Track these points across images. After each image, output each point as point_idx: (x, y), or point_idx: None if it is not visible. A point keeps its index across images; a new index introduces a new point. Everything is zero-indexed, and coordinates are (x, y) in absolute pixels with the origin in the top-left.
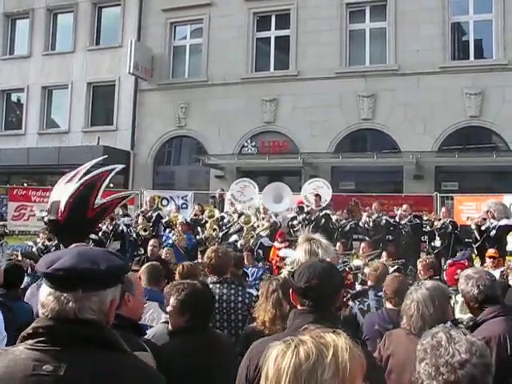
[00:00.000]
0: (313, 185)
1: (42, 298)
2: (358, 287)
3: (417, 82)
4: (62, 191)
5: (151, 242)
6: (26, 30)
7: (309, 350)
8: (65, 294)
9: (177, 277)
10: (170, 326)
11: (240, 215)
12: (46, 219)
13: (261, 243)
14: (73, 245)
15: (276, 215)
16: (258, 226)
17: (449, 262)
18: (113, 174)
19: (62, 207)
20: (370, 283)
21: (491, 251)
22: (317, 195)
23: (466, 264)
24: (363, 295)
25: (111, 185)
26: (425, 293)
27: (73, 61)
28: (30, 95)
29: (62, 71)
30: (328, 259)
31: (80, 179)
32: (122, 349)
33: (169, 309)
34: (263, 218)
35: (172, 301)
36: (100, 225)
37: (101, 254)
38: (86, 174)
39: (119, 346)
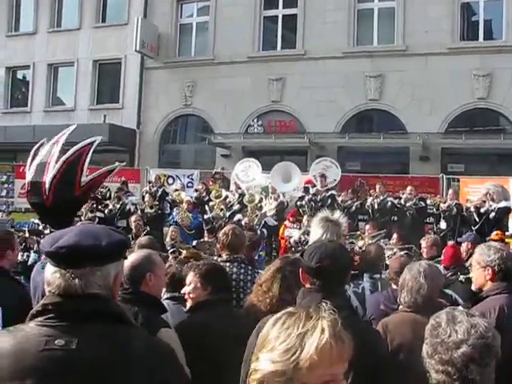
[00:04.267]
0: (321, 164)
1: (48, 275)
2: None
3: (425, 63)
4: (39, 170)
5: (133, 217)
6: (32, 7)
7: (288, 322)
8: (70, 271)
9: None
10: (188, 305)
11: (240, 195)
12: (30, 200)
13: (265, 222)
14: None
15: (284, 195)
16: (265, 205)
17: (450, 243)
18: (94, 147)
19: (45, 189)
20: (363, 265)
21: (495, 234)
22: (322, 175)
23: (469, 247)
24: (357, 278)
25: (116, 163)
26: (420, 269)
27: (79, 38)
28: (35, 72)
29: (67, 48)
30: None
31: (58, 157)
32: (129, 321)
33: (187, 289)
34: (271, 198)
35: (191, 278)
36: (107, 202)
37: (102, 231)
38: (64, 150)
39: (125, 319)
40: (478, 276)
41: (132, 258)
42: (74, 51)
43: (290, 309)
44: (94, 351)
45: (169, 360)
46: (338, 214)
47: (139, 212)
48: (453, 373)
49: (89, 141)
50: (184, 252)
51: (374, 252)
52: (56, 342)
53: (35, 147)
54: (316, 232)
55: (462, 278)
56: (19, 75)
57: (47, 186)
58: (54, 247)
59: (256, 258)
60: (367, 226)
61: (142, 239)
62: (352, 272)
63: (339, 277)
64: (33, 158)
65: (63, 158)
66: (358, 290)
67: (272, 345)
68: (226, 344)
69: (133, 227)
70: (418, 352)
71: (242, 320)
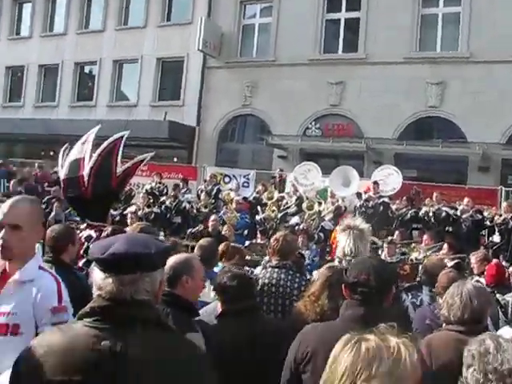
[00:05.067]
0: (384, 172)
1: (98, 280)
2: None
3: (488, 71)
4: (74, 166)
5: (212, 217)
6: (101, 5)
7: (369, 347)
8: (121, 277)
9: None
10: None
11: (298, 198)
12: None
13: (322, 226)
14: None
15: (343, 199)
16: (324, 210)
17: (494, 260)
18: (124, 140)
19: (84, 182)
20: (423, 278)
21: None
22: (375, 182)
23: None
24: (417, 289)
25: (175, 159)
26: (470, 288)
27: (144, 36)
28: (101, 68)
29: (133, 46)
30: (365, 245)
31: (91, 152)
32: (171, 328)
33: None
34: (329, 202)
35: (216, 286)
36: (164, 199)
37: (149, 239)
38: (97, 145)
39: (168, 326)
40: None
41: (171, 260)
42: (138, 49)
43: (358, 335)
44: (137, 355)
45: (209, 370)
46: (359, 221)
47: (195, 211)
48: None
49: (119, 135)
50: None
51: (435, 265)
52: (102, 343)
53: (63, 149)
54: (341, 240)
55: (498, 296)
56: (86, 70)
57: (86, 178)
58: (106, 254)
59: (310, 262)
60: (425, 237)
61: (203, 241)
62: (411, 283)
63: (378, 292)
64: (64, 159)
65: (97, 151)
66: (417, 302)
67: (368, 372)
68: (245, 353)
69: (210, 226)
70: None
71: (263, 331)
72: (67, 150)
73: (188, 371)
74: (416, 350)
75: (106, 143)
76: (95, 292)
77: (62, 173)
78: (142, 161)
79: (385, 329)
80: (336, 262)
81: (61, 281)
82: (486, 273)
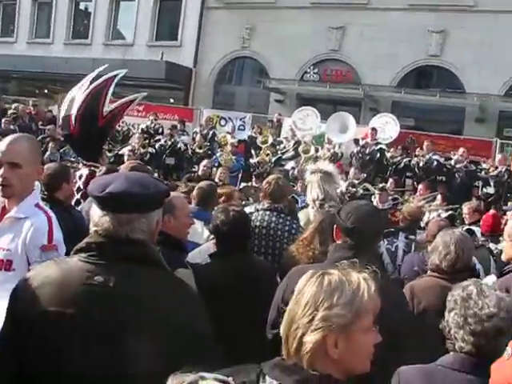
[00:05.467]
0: (382, 119)
1: (96, 218)
2: None
3: (493, 21)
4: (69, 105)
5: (204, 162)
6: None
7: (332, 279)
8: (118, 216)
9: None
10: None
11: (296, 143)
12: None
13: None
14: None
15: (340, 146)
16: (319, 157)
17: (491, 211)
18: (117, 79)
19: (72, 121)
20: (401, 225)
21: None
22: (373, 129)
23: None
24: (394, 235)
25: (171, 100)
26: (457, 236)
27: None
28: (97, 5)
29: None
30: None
31: (85, 90)
32: (165, 267)
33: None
34: (325, 148)
35: (211, 226)
36: (160, 137)
37: (148, 180)
38: (91, 82)
39: (162, 265)
40: (508, 249)
41: None
42: None
43: (323, 270)
44: (128, 290)
45: (200, 312)
46: (325, 164)
47: (190, 152)
48: (483, 344)
49: (113, 73)
50: (219, 189)
51: (413, 213)
52: (95, 278)
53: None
54: (310, 184)
55: (491, 246)
56: (82, 7)
57: (73, 117)
58: (104, 192)
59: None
60: (420, 186)
61: (203, 183)
62: (388, 229)
63: (370, 239)
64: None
65: (87, 90)
66: (392, 248)
67: (329, 302)
68: (235, 292)
69: (200, 170)
70: (443, 317)
71: (253, 271)
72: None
73: (179, 308)
74: (374, 285)
75: (97, 81)
76: (92, 228)
77: (62, 111)
78: (132, 101)
79: (347, 265)
80: (310, 208)
81: (54, 219)
82: (482, 222)
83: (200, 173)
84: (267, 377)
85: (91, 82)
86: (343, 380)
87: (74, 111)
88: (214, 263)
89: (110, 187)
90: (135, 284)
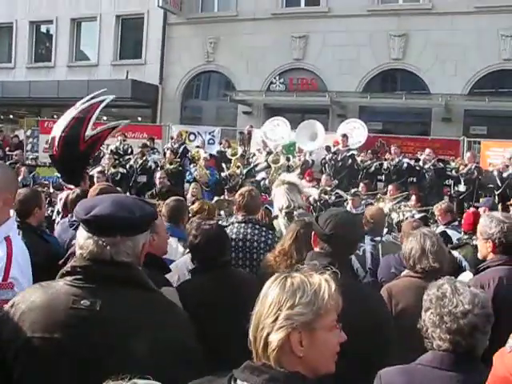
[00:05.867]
0: (350, 125)
1: (81, 240)
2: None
3: (450, 22)
4: (58, 127)
5: (157, 174)
6: None
7: (294, 281)
8: (103, 239)
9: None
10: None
11: (268, 154)
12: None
13: None
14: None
15: (310, 154)
16: (291, 166)
17: (471, 209)
18: (103, 105)
19: (55, 143)
20: (365, 228)
21: None
22: (344, 135)
23: (486, 212)
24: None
25: (139, 118)
26: (430, 236)
27: None
28: (59, 27)
29: (90, 3)
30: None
31: (71, 114)
32: (151, 288)
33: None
34: (296, 157)
35: (188, 242)
36: (130, 157)
37: (134, 202)
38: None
39: (149, 286)
40: (481, 247)
41: None
42: (96, 6)
43: (286, 272)
44: (114, 313)
45: (186, 328)
46: (289, 175)
47: (159, 169)
48: (459, 341)
49: (100, 99)
50: (194, 205)
51: (376, 215)
52: (82, 302)
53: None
54: (276, 195)
55: (475, 242)
56: (43, 29)
57: (57, 140)
58: (89, 215)
59: None
60: (390, 187)
61: (170, 201)
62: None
63: (348, 246)
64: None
65: (72, 114)
66: (359, 252)
67: (291, 302)
68: (217, 306)
69: (157, 183)
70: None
71: (235, 284)
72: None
73: (167, 325)
74: (335, 285)
75: (82, 106)
76: (77, 251)
77: (53, 131)
78: (114, 127)
79: (309, 268)
80: (280, 217)
81: (15, 255)
82: (463, 221)
83: (158, 186)
84: (238, 380)
85: (78, 106)
86: (311, 378)
87: (56, 134)
88: (195, 279)
89: (95, 210)
90: (122, 307)
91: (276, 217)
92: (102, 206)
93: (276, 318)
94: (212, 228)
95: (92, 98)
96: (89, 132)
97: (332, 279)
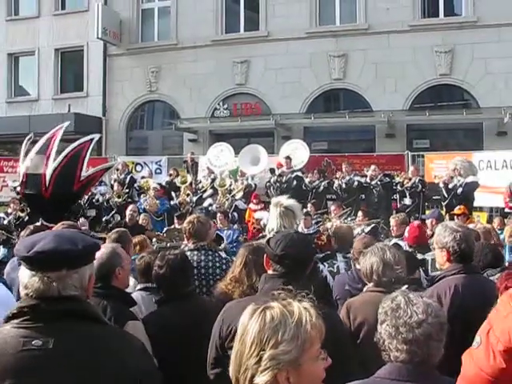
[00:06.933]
0: (291, 146)
1: (25, 279)
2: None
3: (387, 41)
4: (38, 164)
5: (130, 207)
6: None
7: (274, 314)
8: (48, 274)
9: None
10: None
11: (213, 180)
12: (17, 190)
13: (235, 206)
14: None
15: (253, 178)
16: (233, 190)
17: (415, 222)
18: (93, 143)
19: (46, 183)
20: (336, 246)
21: (458, 209)
22: (287, 157)
23: (434, 223)
24: (332, 257)
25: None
26: (386, 250)
27: (38, 26)
28: None
29: (27, 37)
30: (299, 221)
31: (60, 153)
32: (103, 321)
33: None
34: (239, 181)
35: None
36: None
37: (76, 235)
38: (64, 146)
39: (100, 319)
40: (438, 256)
41: (99, 253)
42: (34, 40)
43: (263, 304)
44: (69, 350)
45: (141, 354)
46: (284, 198)
47: (105, 203)
48: (415, 350)
49: (88, 138)
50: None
51: (345, 232)
52: (33, 342)
53: (26, 140)
54: (272, 217)
55: (419, 256)
56: None
57: (48, 178)
58: (31, 252)
59: (232, 240)
60: (332, 207)
61: (112, 233)
62: (325, 253)
63: (301, 265)
64: (27, 151)
65: (65, 152)
66: (334, 270)
67: (274, 339)
68: (185, 336)
69: (127, 216)
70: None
71: (201, 312)
72: (29, 143)
73: (122, 353)
74: (316, 312)
75: (74, 144)
76: (22, 291)
77: (23, 167)
78: (108, 168)
79: (285, 295)
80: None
81: None
82: (407, 234)
83: (127, 219)
84: None
85: (64, 145)
86: None
87: (47, 172)
88: (161, 310)
89: (38, 246)
90: (76, 341)
91: (264, 237)
92: (43, 242)
93: (260, 359)
94: (177, 258)
95: (72, 134)
96: (84, 172)
97: (312, 307)
